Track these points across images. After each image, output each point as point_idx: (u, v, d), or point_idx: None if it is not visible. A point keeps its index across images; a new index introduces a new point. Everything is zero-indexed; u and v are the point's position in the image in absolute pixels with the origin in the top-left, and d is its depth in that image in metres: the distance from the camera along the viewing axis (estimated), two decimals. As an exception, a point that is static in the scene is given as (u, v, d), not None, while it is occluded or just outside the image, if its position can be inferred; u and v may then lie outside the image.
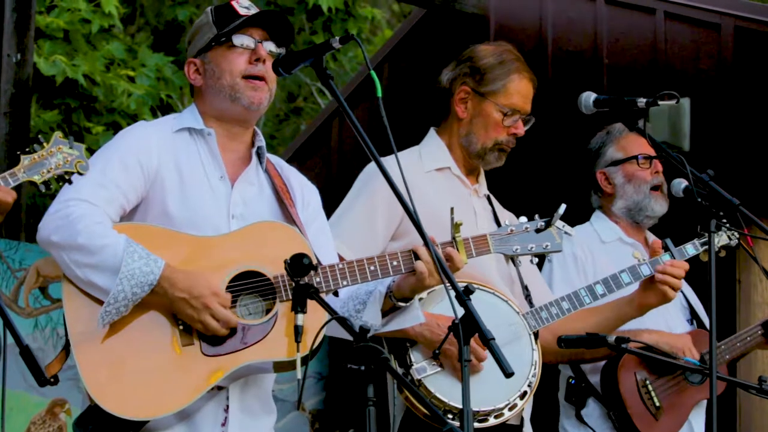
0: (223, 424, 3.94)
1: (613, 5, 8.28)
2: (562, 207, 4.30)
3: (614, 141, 5.48)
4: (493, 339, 3.43)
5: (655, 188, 5.43)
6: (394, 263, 4.05)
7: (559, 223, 4.37)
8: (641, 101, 4.52)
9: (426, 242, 3.69)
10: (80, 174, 3.68)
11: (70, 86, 10.66)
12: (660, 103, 4.49)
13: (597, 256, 5.35)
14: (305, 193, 4.21)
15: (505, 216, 4.77)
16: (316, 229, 4.14)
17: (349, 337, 3.62)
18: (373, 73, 3.70)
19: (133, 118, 10.83)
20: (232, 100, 4.03)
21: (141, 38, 13.12)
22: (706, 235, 5.13)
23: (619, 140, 5.47)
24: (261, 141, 4.14)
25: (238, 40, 4.04)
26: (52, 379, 3.73)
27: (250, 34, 4.05)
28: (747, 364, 6.73)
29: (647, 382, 5.23)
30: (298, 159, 9.63)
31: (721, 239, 5.08)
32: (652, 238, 5.48)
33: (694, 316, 5.52)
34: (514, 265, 4.75)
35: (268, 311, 3.89)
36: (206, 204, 3.99)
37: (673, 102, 4.48)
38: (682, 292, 5.53)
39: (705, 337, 5.33)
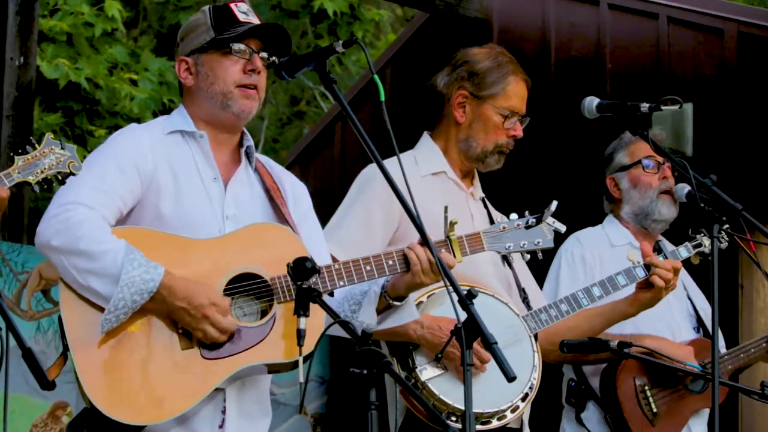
0: (221, 426, 3.93)
1: (616, 10, 8.28)
2: (554, 203, 4.30)
3: (624, 147, 5.49)
4: (496, 343, 3.44)
5: (665, 192, 5.42)
6: (390, 262, 4.05)
7: (550, 220, 4.36)
8: (644, 106, 4.52)
9: (428, 244, 3.69)
10: (73, 174, 3.69)
11: (73, 89, 10.67)
12: (663, 108, 4.49)
13: (605, 260, 5.34)
14: (296, 191, 4.21)
15: (499, 218, 4.77)
16: (307, 228, 4.14)
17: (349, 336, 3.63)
18: (376, 77, 3.70)
19: (136, 122, 10.83)
20: (224, 107, 4.02)
21: (144, 42, 13.13)
22: (698, 237, 5.16)
23: (629, 146, 5.47)
24: (249, 141, 4.14)
25: (236, 47, 4.02)
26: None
27: (247, 43, 4.03)
28: (749, 370, 6.71)
29: (646, 387, 5.22)
30: (301, 162, 9.63)
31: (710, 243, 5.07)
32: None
33: (700, 324, 5.51)
34: (510, 266, 4.76)
35: (263, 313, 3.89)
36: (201, 206, 3.98)
37: (676, 107, 4.48)
38: (690, 299, 5.54)
39: (709, 346, 5.33)
